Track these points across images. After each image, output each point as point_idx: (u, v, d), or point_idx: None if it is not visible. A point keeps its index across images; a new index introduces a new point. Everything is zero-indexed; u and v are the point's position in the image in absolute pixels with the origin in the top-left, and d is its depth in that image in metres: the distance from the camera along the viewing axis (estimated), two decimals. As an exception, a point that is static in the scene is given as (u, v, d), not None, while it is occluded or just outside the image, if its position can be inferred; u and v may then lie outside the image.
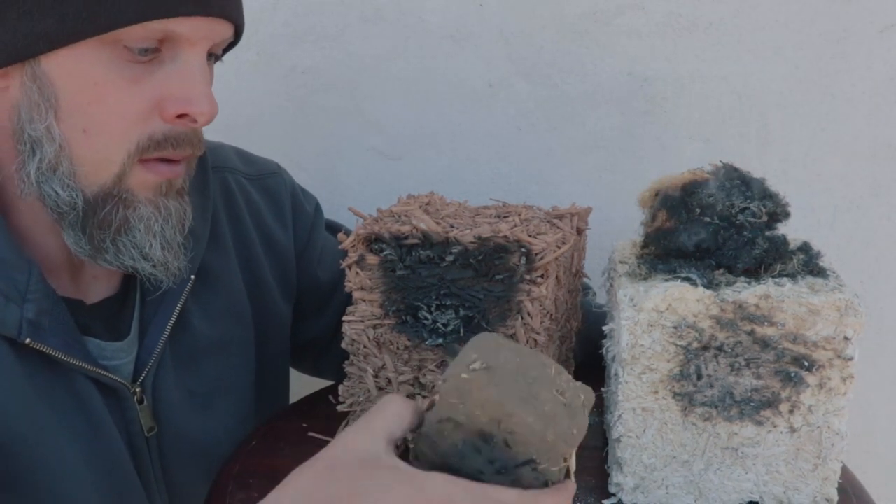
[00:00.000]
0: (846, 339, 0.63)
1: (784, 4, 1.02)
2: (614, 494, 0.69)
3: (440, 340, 0.72)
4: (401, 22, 1.10)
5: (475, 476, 0.52)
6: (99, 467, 0.73)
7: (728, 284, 0.65)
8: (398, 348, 0.73)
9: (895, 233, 1.08)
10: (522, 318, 0.69)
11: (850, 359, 0.63)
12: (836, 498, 0.67)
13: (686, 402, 0.66)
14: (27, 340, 0.68)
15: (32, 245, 0.72)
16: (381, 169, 1.17)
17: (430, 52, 1.10)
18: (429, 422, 0.54)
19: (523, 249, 0.68)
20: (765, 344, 0.63)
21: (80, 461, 0.71)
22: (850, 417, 0.65)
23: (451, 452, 0.53)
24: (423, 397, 0.73)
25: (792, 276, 0.66)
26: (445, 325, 0.71)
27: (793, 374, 0.64)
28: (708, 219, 0.66)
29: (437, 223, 0.72)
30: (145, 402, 0.78)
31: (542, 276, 0.69)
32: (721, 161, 0.71)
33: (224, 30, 0.70)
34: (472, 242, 0.69)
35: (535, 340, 0.70)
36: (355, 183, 1.18)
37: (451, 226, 0.72)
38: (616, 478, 0.69)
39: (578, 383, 0.55)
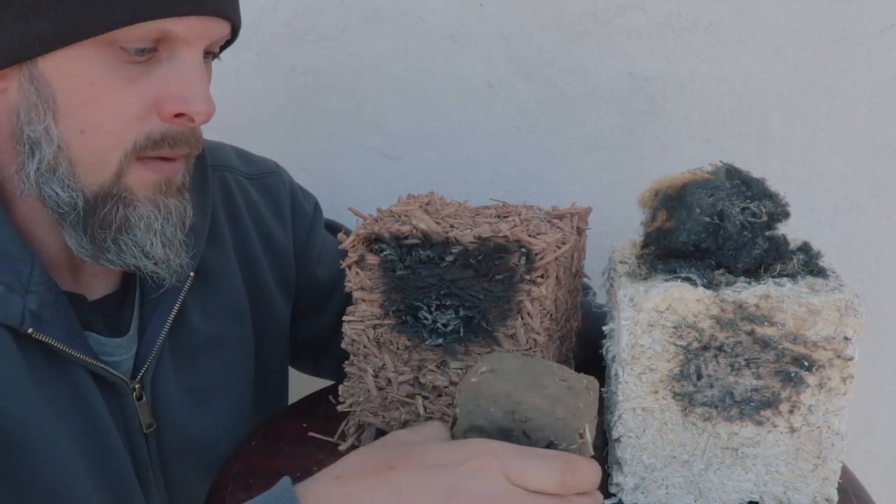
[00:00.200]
0: (846, 339, 0.63)
1: (784, 4, 1.02)
2: (614, 494, 0.69)
3: (440, 340, 0.72)
4: (401, 22, 1.10)
5: None
6: (95, 461, 0.73)
7: (728, 284, 0.65)
8: (398, 348, 0.73)
9: (895, 233, 1.08)
10: (522, 318, 0.69)
11: (850, 359, 0.63)
12: (836, 498, 0.67)
13: (686, 402, 0.66)
14: (30, 330, 0.68)
15: (33, 242, 0.72)
16: (381, 169, 1.17)
17: (430, 52, 1.10)
18: (456, 436, 0.58)
19: (523, 249, 0.68)
20: (765, 344, 0.63)
21: (77, 453, 0.72)
22: (850, 417, 0.65)
23: None
24: (425, 397, 0.74)
25: (792, 276, 0.66)
26: (445, 325, 0.71)
27: (793, 374, 0.64)
28: (708, 219, 0.66)
29: (437, 223, 0.72)
30: (144, 398, 0.78)
31: (542, 276, 0.69)
32: (721, 161, 0.71)
33: (220, 28, 0.70)
34: (472, 242, 0.69)
35: (535, 340, 0.70)
36: (355, 183, 1.18)
37: (451, 226, 0.72)
38: (616, 478, 0.69)
39: (580, 374, 0.60)
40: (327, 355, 0.99)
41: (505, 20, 1.08)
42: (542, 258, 0.68)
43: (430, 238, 0.70)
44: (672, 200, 0.68)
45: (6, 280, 0.68)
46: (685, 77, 1.06)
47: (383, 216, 0.74)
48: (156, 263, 0.73)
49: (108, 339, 0.76)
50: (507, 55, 1.09)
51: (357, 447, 0.77)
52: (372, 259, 0.72)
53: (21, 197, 0.70)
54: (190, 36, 0.67)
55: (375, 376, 0.75)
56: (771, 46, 1.03)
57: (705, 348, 0.64)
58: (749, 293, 0.63)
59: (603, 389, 0.77)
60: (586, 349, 0.86)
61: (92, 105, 0.67)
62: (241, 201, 0.91)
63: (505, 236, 0.68)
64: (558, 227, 0.74)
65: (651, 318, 0.64)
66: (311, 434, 0.81)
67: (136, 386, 0.77)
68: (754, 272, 0.67)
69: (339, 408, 0.78)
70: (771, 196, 0.68)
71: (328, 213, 1.02)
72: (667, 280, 0.65)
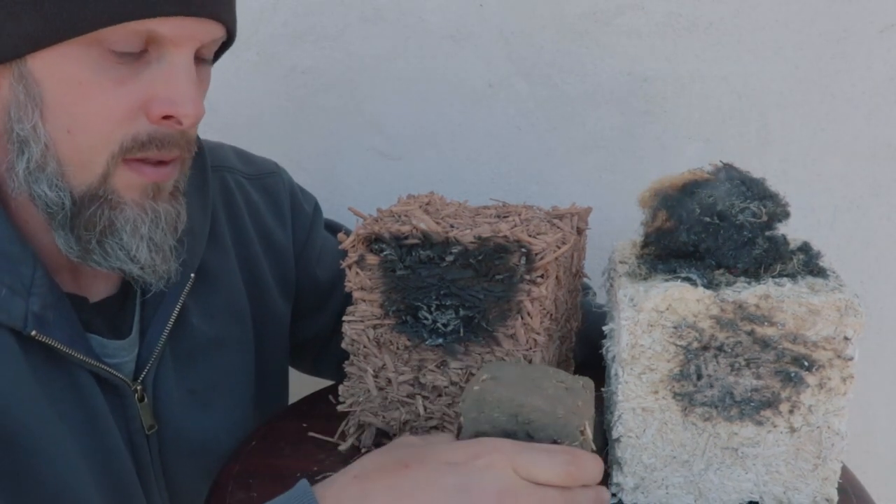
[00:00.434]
0: (846, 339, 0.63)
1: (784, 4, 1.02)
2: (614, 494, 0.69)
3: (440, 340, 0.71)
4: (401, 22, 1.10)
5: None
6: (97, 462, 0.73)
7: (728, 284, 0.65)
8: (398, 348, 0.73)
9: (895, 233, 1.08)
10: (522, 318, 0.69)
11: (850, 359, 0.63)
12: (836, 498, 0.67)
13: (686, 402, 0.66)
14: (33, 332, 0.68)
15: (32, 243, 0.72)
16: (381, 169, 1.17)
17: (430, 52, 1.10)
18: None
19: (523, 249, 0.68)
20: (765, 344, 0.63)
21: (79, 455, 0.72)
22: (850, 417, 0.65)
23: None
24: (425, 397, 0.74)
25: (792, 276, 0.66)
26: (445, 325, 0.71)
27: (793, 374, 0.64)
28: (708, 219, 0.66)
29: (437, 223, 0.72)
30: (146, 399, 0.78)
31: (542, 276, 0.69)
32: (721, 161, 0.71)
33: (211, 29, 0.69)
34: (472, 242, 0.69)
35: (535, 340, 0.70)
36: (355, 183, 1.18)
37: (451, 226, 0.72)
38: (616, 478, 0.69)
39: (576, 375, 0.63)
40: (327, 355, 0.99)
41: (505, 20, 1.08)
42: (542, 258, 0.68)
43: (430, 238, 0.70)
44: (672, 200, 0.68)
45: (8, 282, 0.68)
46: (685, 77, 1.06)
47: (383, 216, 0.74)
48: (142, 268, 0.72)
49: (110, 340, 0.76)
50: (507, 55, 1.09)
51: (357, 447, 0.77)
52: (372, 259, 0.72)
53: (13, 196, 0.70)
54: (178, 37, 0.66)
55: (375, 376, 0.75)
56: (771, 46, 1.03)
57: (705, 348, 0.64)
58: (749, 293, 0.63)
59: (603, 389, 0.77)
60: (586, 349, 0.86)
61: (79, 105, 0.66)
62: (241, 202, 0.91)
63: (505, 236, 0.68)
64: (558, 227, 0.74)
65: (651, 318, 0.64)
66: (311, 434, 0.81)
67: (138, 387, 0.77)
68: (754, 272, 0.67)
69: (339, 408, 0.78)
70: (771, 196, 0.68)
71: (328, 213, 1.02)
72: (667, 280, 0.65)
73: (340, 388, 0.78)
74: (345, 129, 1.16)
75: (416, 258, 0.71)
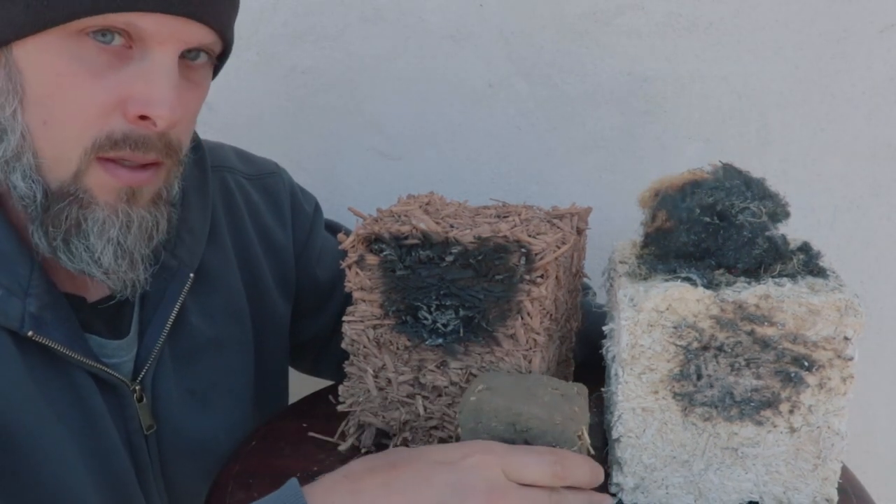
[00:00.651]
0: (846, 339, 0.63)
1: (784, 4, 1.02)
2: (614, 494, 0.69)
3: (440, 340, 0.71)
4: (401, 22, 1.10)
5: None
6: (95, 463, 0.73)
7: (728, 284, 0.65)
8: (398, 348, 0.73)
9: (895, 233, 1.08)
10: (522, 318, 0.69)
11: (850, 359, 0.63)
12: (836, 498, 0.67)
13: (686, 402, 0.66)
14: (30, 333, 0.68)
15: (28, 242, 0.72)
16: (381, 169, 1.17)
17: (430, 52, 1.10)
18: None
19: (523, 249, 0.68)
20: (765, 344, 0.63)
21: (77, 455, 0.72)
22: (850, 417, 0.65)
23: None
24: (425, 397, 0.74)
25: (792, 276, 0.66)
26: (445, 325, 0.71)
27: (793, 374, 0.64)
28: (708, 219, 0.66)
29: (437, 223, 0.72)
30: (144, 399, 0.78)
31: (541, 276, 0.69)
32: (721, 161, 0.71)
33: (196, 31, 0.68)
34: (471, 242, 0.69)
35: (535, 340, 0.70)
36: (355, 183, 1.18)
37: (451, 226, 0.72)
38: (616, 478, 0.69)
39: (569, 382, 0.64)
40: (327, 355, 0.99)
41: (505, 20, 1.08)
42: (542, 258, 0.68)
43: (429, 238, 0.70)
44: (672, 200, 0.68)
45: (5, 283, 0.67)
46: (685, 77, 1.06)
47: (383, 216, 0.74)
48: (105, 272, 0.70)
49: (108, 341, 0.76)
50: (507, 55, 1.09)
51: (357, 447, 0.77)
52: (372, 259, 0.72)
53: (10, 195, 0.69)
54: (160, 34, 0.65)
55: (375, 376, 0.75)
56: (771, 46, 1.03)
57: (705, 348, 0.64)
58: (749, 293, 0.63)
59: (603, 389, 0.77)
60: (586, 349, 0.86)
61: (56, 96, 0.66)
62: (241, 202, 0.91)
63: (505, 236, 0.68)
64: (558, 227, 0.74)
65: (651, 318, 0.64)
66: (311, 434, 0.81)
67: (137, 387, 0.77)
68: (754, 272, 0.67)
69: (339, 408, 0.78)
70: (771, 196, 0.68)
71: (328, 213, 1.02)
72: (667, 280, 0.65)
73: (340, 388, 0.78)
74: (345, 129, 1.16)
75: (415, 258, 0.71)
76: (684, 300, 0.63)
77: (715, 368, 0.64)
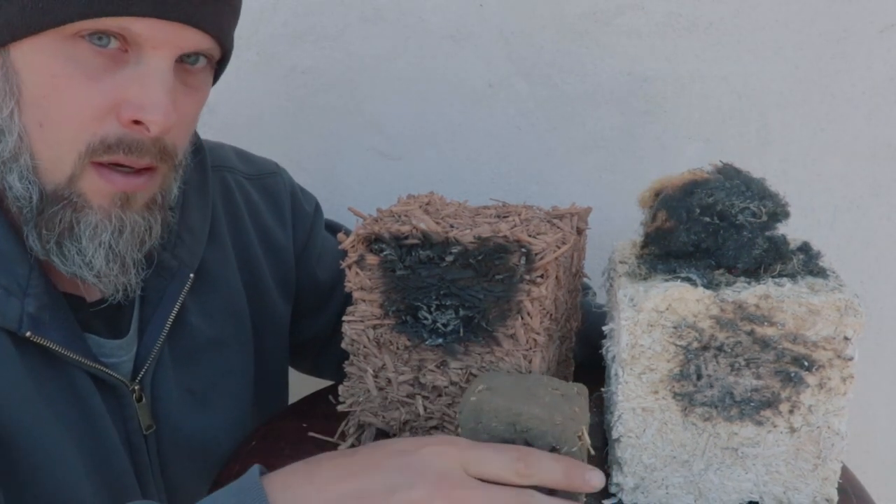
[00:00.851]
0: (846, 339, 0.63)
1: (784, 4, 1.02)
2: (614, 494, 0.69)
3: (440, 340, 0.71)
4: (401, 22, 1.10)
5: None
6: (94, 463, 0.73)
7: (728, 284, 0.65)
8: (398, 348, 0.73)
9: (895, 233, 1.08)
10: (522, 318, 0.69)
11: (850, 359, 0.63)
12: (836, 498, 0.67)
13: (686, 402, 0.66)
14: (28, 334, 0.68)
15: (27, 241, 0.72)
16: (381, 169, 1.17)
17: (430, 52, 1.10)
18: None
19: (523, 249, 0.68)
20: (765, 344, 0.63)
21: (76, 455, 0.72)
22: (850, 417, 0.65)
23: None
24: (425, 397, 0.74)
25: (792, 276, 0.66)
26: (445, 325, 0.71)
27: (793, 374, 0.64)
28: (708, 219, 0.66)
29: (437, 223, 0.72)
30: (144, 399, 0.78)
31: (541, 276, 0.69)
32: (721, 161, 0.71)
33: (192, 37, 0.68)
34: (471, 242, 0.69)
35: (535, 340, 0.70)
36: (355, 183, 1.18)
37: (451, 226, 0.72)
38: (616, 478, 0.69)
39: (569, 382, 0.63)
40: (327, 355, 0.99)
41: (505, 20, 1.08)
42: (542, 258, 0.68)
43: (429, 238, 0.70)
44: (672, 200, 0.68)
45: (4, 283, 0.67)
46: (685, 77, 1.06)
47: (383, 216, 0.74)
48: (97, 276, 0.70)
49: (107, 340, 0.76)
50: (507, 55, 1.09)
51: (357, 447, 0.77)
52: (372, 259, 0.72)
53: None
54: (155, 39, 0.65)
55: (375, 376, 0.75)
56: (771, 46, 1.03)
57: (705, 348, 0.64)
58: (749, 293, 0.63)
59: (603, 389, 0.77)
60: (586, 349, 0.86)
61: (51, 98, 0.66)
62: (241, 202, 0.91)
63: (505, 236, 0.68)
64: (558, 227, 0.74)
65: (651, 318, 0.64)
66: (311, 434, 0.81)
67: (136, 387, 0.77)
68: (754, 272, 0.67)
69: (339, 408, 0.78)
70: (771, 196, 0.68)
71: (328, 213, 1.02)
72: (667, 280, 0.65)
73: (340, 388, 0.78)
74: (345, 129, 1.16)
75: (415, 258, 0.71)
76: (684, 300, 0.63)
77: (715, 368, 0.64)
